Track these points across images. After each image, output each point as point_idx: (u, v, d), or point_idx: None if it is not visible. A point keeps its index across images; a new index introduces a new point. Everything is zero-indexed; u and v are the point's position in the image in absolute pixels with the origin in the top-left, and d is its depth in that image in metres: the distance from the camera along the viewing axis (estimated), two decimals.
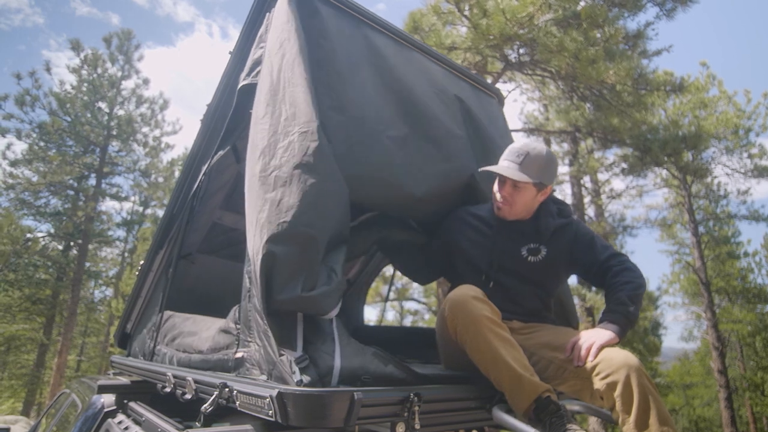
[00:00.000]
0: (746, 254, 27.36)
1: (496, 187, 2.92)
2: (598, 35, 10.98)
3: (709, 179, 24.16)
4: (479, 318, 2.32)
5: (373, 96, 2.90)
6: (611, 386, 2.32)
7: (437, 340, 2.78)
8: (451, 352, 2.63)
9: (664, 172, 23.06)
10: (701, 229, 25.27)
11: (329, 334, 1.99)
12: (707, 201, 25.84)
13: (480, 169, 2.96)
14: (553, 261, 2.92)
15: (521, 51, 11.54)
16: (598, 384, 2.36)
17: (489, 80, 11.70)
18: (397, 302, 25.56)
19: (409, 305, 26.12)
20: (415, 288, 23.98)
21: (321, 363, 1.86)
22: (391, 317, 29.40)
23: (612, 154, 20.01)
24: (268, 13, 3.07)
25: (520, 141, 2.90)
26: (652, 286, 29.60)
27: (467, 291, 2.44)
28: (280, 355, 1.91)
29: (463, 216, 3.08)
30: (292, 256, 1.98)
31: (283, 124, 2.32)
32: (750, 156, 22.43)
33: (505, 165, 2.81)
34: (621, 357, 2.37)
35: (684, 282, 28.48)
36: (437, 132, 3.17)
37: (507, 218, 2.92)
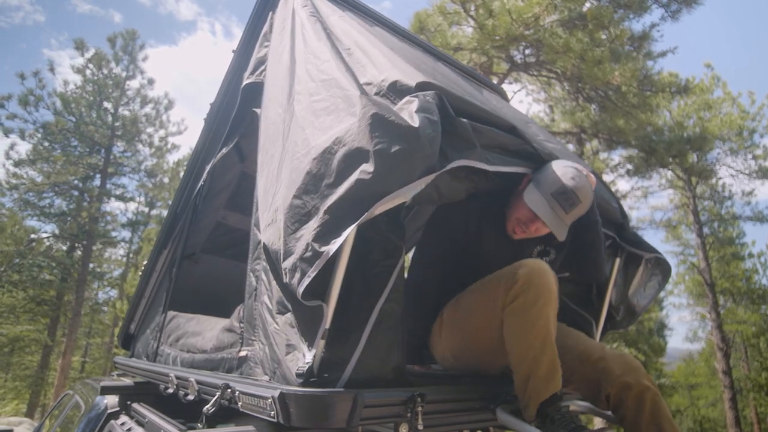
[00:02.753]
0: (751, 255, 27.29)
1: (522, 214, 2.64)
2: (604, 36, 10.97)
3: (713, 180, 24.19)
4: (552, 294, 2.24)
5: None
6: (623, 388, 2.37)
7: (454, 312, 2.58)
8: (470, 327, 2.48)
9: (669, 174, 23.08)
10: (706, 230, 25.24)
11: (354, 340, 1.89)
12: (712, 202, 25.83)
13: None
14: (557, 261, 2.95)
15: (527, 52, 11.54)
16: (609, 387, 2.38)
17: (494, 81, 11.70)
18: None
19: None
20: None
21: (330, 373, 1.82)
22: None
23: (617, 156, 19.99)
24: (271, 12, 3.07)
25: (577, 177, 2.50)
26: None
27: (546, 265, 2.31)
28: (287, 353, 1.90)
29: (483, 206, 2.78)
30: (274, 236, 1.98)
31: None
32: (754, 157, 22.46)
33: (554, 214, 2.49)
34: (630, 360, 2.43)
35: (689, 283, 28.40)
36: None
37: None
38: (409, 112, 1.84)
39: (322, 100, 2.13)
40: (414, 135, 1.75)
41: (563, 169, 2.50)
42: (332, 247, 1.66)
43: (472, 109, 2.25)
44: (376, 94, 2.10)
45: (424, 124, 1.79)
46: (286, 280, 1.78)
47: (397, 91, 2.07)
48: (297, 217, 1.82)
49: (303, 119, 2.16)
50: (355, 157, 1.75)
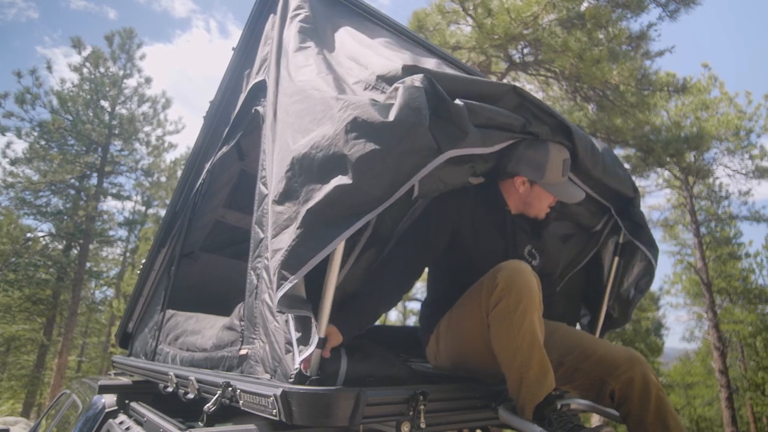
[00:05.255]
0: (747, 255, 27.31)
1: (543, 195, 2.71)
2: (602, 36, 10.97)
3: (710, 180, 24.19)
4: (534, 296, 2.21)
5: None
6: (628, 383, 2.36)
7: (448, 323, 2.56)
8: (462, 337, 2.47)
9: (667, 173, 23.11)
10: (703, 229, 25.24)
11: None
12: (709, 202, 25.83)
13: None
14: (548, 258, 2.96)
15: (525, 51, 11.53)
16: (613, 383, 2.38)
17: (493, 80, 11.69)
18: (401, 303, 25.57)
19: (413, 306, 26.12)
20: (418, 288, 23.97)
21: (327, 365, 1.84)
22: (394, 317, 29.44)
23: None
24: (272, 14, 3.06)
25: (564, 151, 2.63)
26: (654, 286, 29.57)
27: (527, 266, 2.29)
28: (287, 351, 1.89)
29: (472, 208, 2.69)
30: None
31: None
32: (751, 157, 22.48)
33: (571, 184, 2.71)
34: (634, 354, 2.44)
35: (686, 282, 28.43)
36: None
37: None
38: (392, 102, 1.81)
39: (299, 101, 2.11)
40: (388, 131, 1.72)
41: (545, 152, 2.57)
42: (316, 258, 1.65)
43: (467, 85, 2.19)
44: (366, 89, 2.08)
45: (402, 115, 1.75)
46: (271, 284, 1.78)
47: (386, 79, 2.05)
48: (278, 223, 1.81)
49: (283, 122, 2.16)
50: (333, 162, 1.74)
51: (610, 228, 3.26)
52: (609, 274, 3.29)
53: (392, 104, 1.79)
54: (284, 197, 1.83)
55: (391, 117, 1.74)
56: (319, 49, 2.46)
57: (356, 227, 1.66)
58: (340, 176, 1.69)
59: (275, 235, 1.80)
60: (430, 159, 1.79)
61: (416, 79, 1.90)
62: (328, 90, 2.01)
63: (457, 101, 1.97)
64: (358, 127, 1.75)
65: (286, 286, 1.68)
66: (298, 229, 1.69)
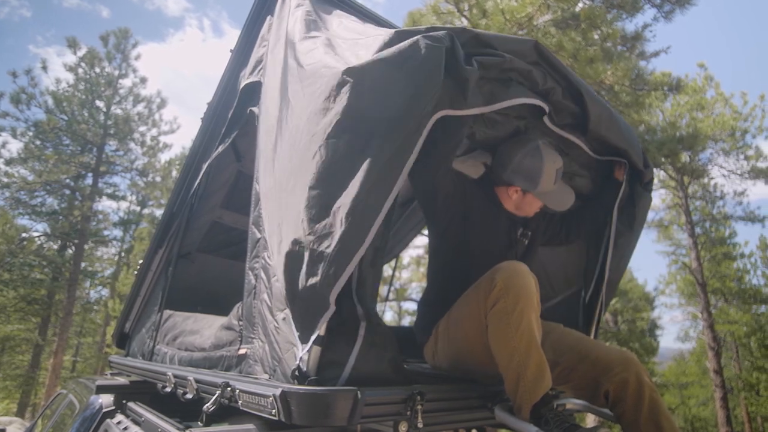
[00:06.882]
0: (742, 255, 27.35)
1: (534, 202, 2.81)
2: (596, 36, 10.98)
3: (705, 180, 24.22)
4: (532, 296, 2.24)
5: None
6: (622, 384, 2.37)
7: (447, 324, 2.60)
8: (460, 338, 2.50)
9: (662, 173, 23.09)
10: (698, 230, 25.27)
11: (352, 336, 1.90)
12: (704, 202, 25.86)
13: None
14: (536, 242, 3.03)
15: None
16: (607, 384, 2.40)
17: None
18: (396, 303, 25.51)
19: (408, 305, 26.06)
20: (414, 288, 23.95)
21: (330, 368, 1.83)
22: (389, 317, 29.38)
23: None
24: (269, 16, 3.07)
25: (558, 159, 2.70)
26: (649, 286, 29.67)
27: (524, 267, 2.33)
28: (287, 351, 1.90)
29: (478, 188, 2.84)
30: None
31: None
32: (746, 158, 22.48)
33: (562, 191, 2.83)
34: (629, 356, 2.46)
35: (681, 283, 28.48)
36: None
37: None
38: (407, 54, 1.84)
39: (311, 84, 2.11)
40: (398, 95, 1.78)
41: (540, 163, 2.64)
42: (365, 245, 1.71)
43: (490, 40, 2.17)
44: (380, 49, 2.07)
45: (415, 74, 1.80)
46: (308, 281, 1.77)
47: (405, 34, 2.00)
48: (316, 209, 1.82)
49: (300, 108, 2.15)
50: (357, 135, 1.78)
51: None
52: (602, 277, 3.28)
53: (406, 59, 1.83)
54: (317, 180, 1.84)
55: (404, 78, 1.80)
56: (325, 35, 2.47)
57: (389, 204, 1.72)
58: (364, 151, 1.73)
59: (317, 221, 1.80)
60: (427, 119, 1.85)
61: (438, 34, 1.92)
62: (338, 65, 2.00)
63: (473, 63, 1.99)
64: (367, 92, 1.79)
65: (341, 283, 1.72)
66: (347, 217, 1.71)
